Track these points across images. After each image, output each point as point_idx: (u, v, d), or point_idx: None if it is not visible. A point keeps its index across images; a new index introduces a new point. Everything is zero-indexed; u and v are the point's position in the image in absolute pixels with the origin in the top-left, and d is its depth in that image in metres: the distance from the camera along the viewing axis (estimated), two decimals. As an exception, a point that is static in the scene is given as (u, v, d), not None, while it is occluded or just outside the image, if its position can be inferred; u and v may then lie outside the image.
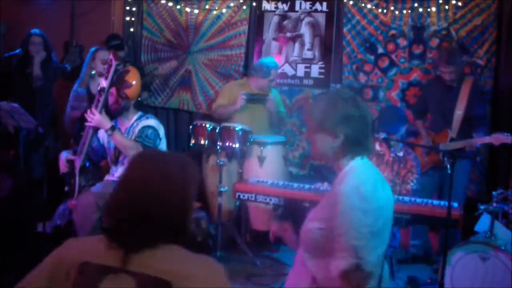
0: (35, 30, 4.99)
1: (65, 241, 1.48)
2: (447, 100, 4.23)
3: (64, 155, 3.75)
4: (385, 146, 3.87)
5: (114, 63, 3.26)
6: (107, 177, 3.82)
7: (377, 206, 1.79)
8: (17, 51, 5.07)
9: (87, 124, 3.52)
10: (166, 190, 1.40)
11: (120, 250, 1.37)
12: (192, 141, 4.46)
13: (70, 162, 3.71)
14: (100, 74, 3.42)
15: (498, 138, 3.84)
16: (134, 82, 3.57)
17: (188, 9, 5.49)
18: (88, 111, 3.50)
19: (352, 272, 1.72)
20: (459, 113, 4.15)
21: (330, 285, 1.82)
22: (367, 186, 1.80)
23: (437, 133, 4.29)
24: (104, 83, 3.36)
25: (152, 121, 3.72)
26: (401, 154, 3.83)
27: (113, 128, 3.49)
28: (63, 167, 3.71)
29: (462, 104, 4.15)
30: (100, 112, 3.46)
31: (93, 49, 4.69)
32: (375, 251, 1.78)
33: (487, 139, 3.93)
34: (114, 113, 3.72)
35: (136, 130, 3.66)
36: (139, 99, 5.28)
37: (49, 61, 5.04)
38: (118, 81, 3.52)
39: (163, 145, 3.79)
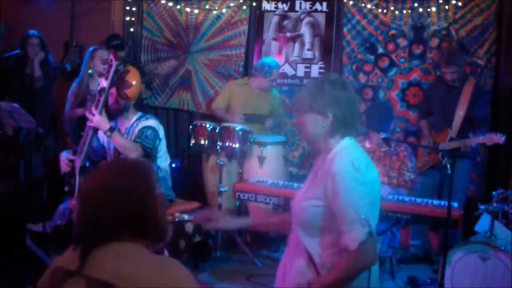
0: (33, 31, 4.98)
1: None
2: (449, 100, 4.24)
3: (64, 155, 3.74)
4: (374, 143, 3.87)
5: (114, 63, 3.25)
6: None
7: (371, 179, 1.89)
8: (17, 51, 5.07)
9: (88, 124, 3.52)
10: (109, 192, 1.45)
11: (79, 253, 1.42)
12: (192, 141, 4.46)
13: (71, 162, 3.71)
14: (100, 74, 3.41)
15: (491, 138, 3.87)
16: (134, 82, 3.57)
17: (188, 9, 5.49)
18: (88, 111, 3.50)
19: (367, 242, 1.80)
20: (460, 113, 4.16)
21: (327, 260, 1.90)
22: (360, 161, 1.89)
23: (438, 132, 4.30)
24: (104, 83, 3.35)
25: (152, 122, 3.71)
26: (392, 147, 3.82)
27: (111, 129, 3.49)
28: (64, 166, 3.70)
29: (463, 105, 4.16)
30: (100, 113, 3.45)
31: (91, 48, 4.69)
32: (375, 219, 1.88)
33: (481, 139, 3.94)
34: (114, 113, 3.72)
35: (136, 130, 3.66)
36: (143, 97, 5.28)
37: (47, 62, 5.03)
38: (118, 81, 3.52)
39: (162, 146, 3.79)
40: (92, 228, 1.43)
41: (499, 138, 3.83)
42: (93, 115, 3.44)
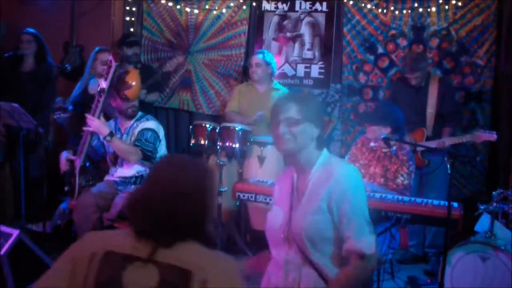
0: (27, 29, 4.91)
1: (87, 234, 1.56)
2: (416, 99, 4.28)
3: (64, 155, 3.75)
4: (379, 142, 3.82)
5: (114, 64, 3.25)
6: (107, 177, 3.83)
7: None
8: (13, 51, 5.00)
9: (85, 129, 3.52)
10: (191, 191, 1.51)
11: (149, 244, 1.44)
12: (192, 141, 4.46)
13: (71, 162, 3.71)
14: (100, 75, 3.42)
15: (480, 136, 3.88)
16: (134, 83, 3.57)
17: (188, 9, 5.49)
18: (87, 116, 3.49)
19: (375, 245, 1.89)
20: (430, 111, 4.21)
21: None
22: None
23: (411, 131, 4.29)
24: (103, 84, 3.35)
25: (151, 123, 3.71)
26: (393, 149, 3.76)
27: (111, 134, 3.49)
28: (64, 166, 3.71)
29: (432, 102, 4.20)
30: (99, 116, 3.46)
31: (96, 49, 4.67)
32: None
33: (467, 137, 3.94)
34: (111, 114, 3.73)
35: (136, 131, 3.66)
36: (154, 101, 5.23)
37: (43, 60, 4.93)
38: (118, 82, 3.52)
39: (162, 147, 3.79)
40: (167, 227, 1.46)
41: (490, 135, 3.84)
42: (92, 120, 3.45)
